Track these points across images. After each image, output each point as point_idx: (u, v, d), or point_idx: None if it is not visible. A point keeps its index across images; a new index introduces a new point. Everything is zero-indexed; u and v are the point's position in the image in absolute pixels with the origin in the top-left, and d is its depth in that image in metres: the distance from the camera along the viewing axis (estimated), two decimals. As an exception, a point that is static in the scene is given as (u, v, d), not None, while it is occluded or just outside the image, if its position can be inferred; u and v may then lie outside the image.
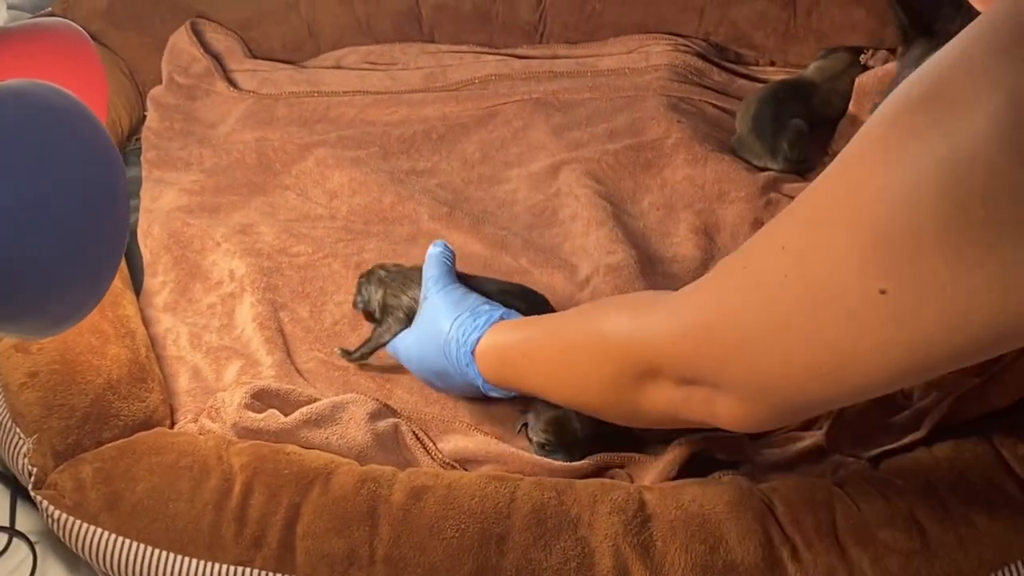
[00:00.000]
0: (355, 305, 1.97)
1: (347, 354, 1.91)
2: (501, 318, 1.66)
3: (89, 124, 1.01)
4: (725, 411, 1.26)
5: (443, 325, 1.70)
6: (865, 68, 2.46)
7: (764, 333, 1.10)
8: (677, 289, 1.45)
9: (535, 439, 1.73)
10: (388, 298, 1.89)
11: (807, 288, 1.03)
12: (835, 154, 2.31)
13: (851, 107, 2.37)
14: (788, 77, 2.50)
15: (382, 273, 1.92)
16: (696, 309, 1.23)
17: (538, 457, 1.70)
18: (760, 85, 2.52)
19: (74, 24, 1.59)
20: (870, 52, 2.51)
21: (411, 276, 1.89)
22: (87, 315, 1.09)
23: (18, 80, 0.98)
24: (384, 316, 1.88)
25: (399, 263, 1.97)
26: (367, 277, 1.95)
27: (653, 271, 2.06)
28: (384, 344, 1.87)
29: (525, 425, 1.76)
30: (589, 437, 1.71)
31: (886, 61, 2.46)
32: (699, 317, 1.20)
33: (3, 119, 0.95)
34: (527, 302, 1.86)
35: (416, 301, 1.84)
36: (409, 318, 1.85)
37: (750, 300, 1.11)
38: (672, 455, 1.65)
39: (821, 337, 1.04)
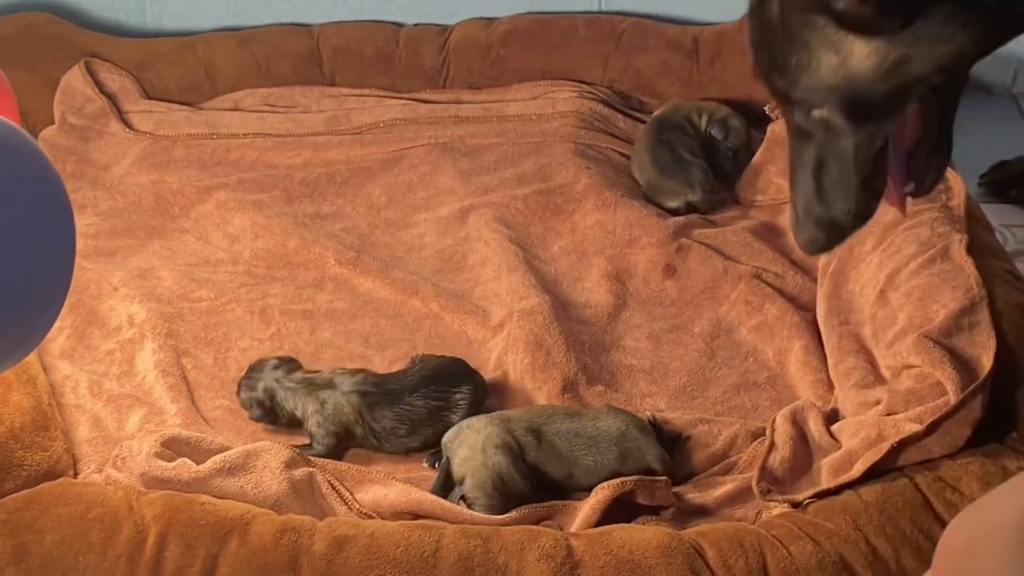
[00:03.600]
0: (243, 400, 1.90)
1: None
2: None
3: (35, 160, 0.98)
4: None
5: None
6: (767, 118, 2.50)
7: None
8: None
9: (470, 499, 1.72)
10: (301, 408, 1.86)
11: None
12: (745, 202, 2.37)
13: (759, 155, 2.41)
14: (651, 120, 2.54)
15: (285, 384, 1.86)
16: None
17: (460, 508, 1.69)
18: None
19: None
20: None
21: (313, 382, 1.87)
22: (24, 357, 1.05)
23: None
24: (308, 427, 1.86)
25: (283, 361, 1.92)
26: (252, 382, 1.89)
27: (567, 316, 2.07)
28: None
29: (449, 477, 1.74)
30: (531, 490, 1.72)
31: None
32: None
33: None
34: (463, 376, 1.88)
35: (321, 407, 1.84)
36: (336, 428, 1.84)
37: None
38: (595, 500, 1.66)
39: None
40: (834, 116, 1.43)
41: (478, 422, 1.77)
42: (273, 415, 1.87)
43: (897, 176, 1.50)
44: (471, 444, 1.74)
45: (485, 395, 1.89)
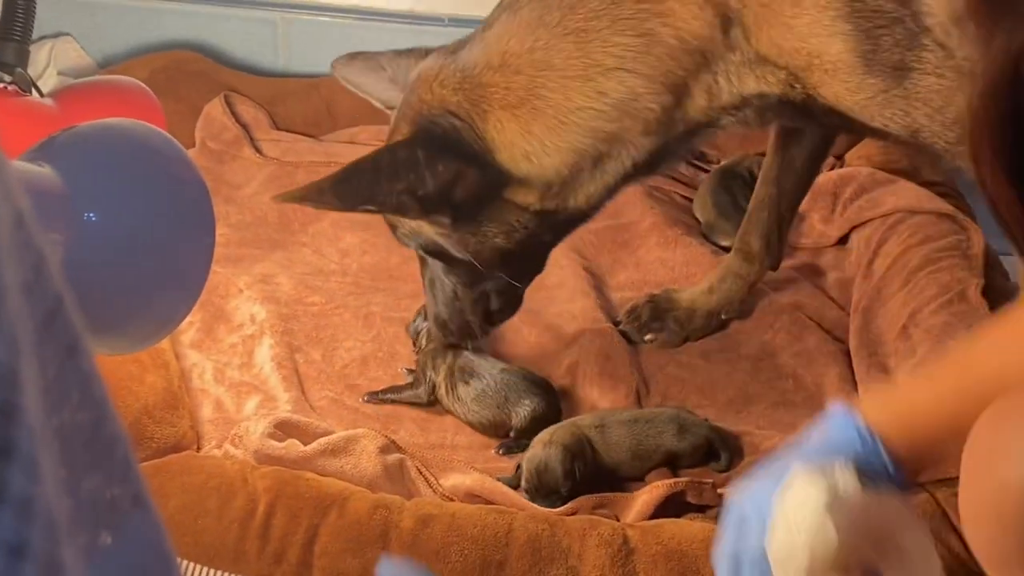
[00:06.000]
0: (409, 328, 2.01)
1: (373, 395, 1.91)
2: None
3: (185, 165, 0.99)
4: None
5: None
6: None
7: None
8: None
9: (521, 484, 1.70)
10: (428, 364, 1.89)
11: None
12: (790, 245, 2.34)
13: (804, 204, 2.36)
14: (717, 167, 2.51)
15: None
16: None
17: (526, 500, 1.67)
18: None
19: (139, 81, 1.57)
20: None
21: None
22: (166, 336, 1.06)
23: (124, 119, 0.96)
24: (418, 381, 1.90)
25: None
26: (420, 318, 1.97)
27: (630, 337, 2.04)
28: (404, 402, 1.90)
29: (519, 466, 1.72)
30: (568, 489, 1.67)
31: (832, 167, 2.47)
32: None
33: (103, 150, 0.93)
34: (533, 383, 1.85)
35: (435, 381, 1.87)
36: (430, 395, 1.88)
37: None
38: (648, 496, 1.63)
39: None
40: (426, 256, 1.63)
41: (555, 425, 1.75)
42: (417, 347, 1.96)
43: None
44: (540, 438, 1.72)
45: (554, 417, 1.83)
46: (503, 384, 1.83)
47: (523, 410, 1.81)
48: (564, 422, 1.77)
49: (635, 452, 1.73)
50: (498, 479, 1.72)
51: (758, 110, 1.52)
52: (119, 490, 0.48)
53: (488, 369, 1.85)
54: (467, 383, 1.84)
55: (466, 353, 1.87)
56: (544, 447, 1.69)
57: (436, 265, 1.65)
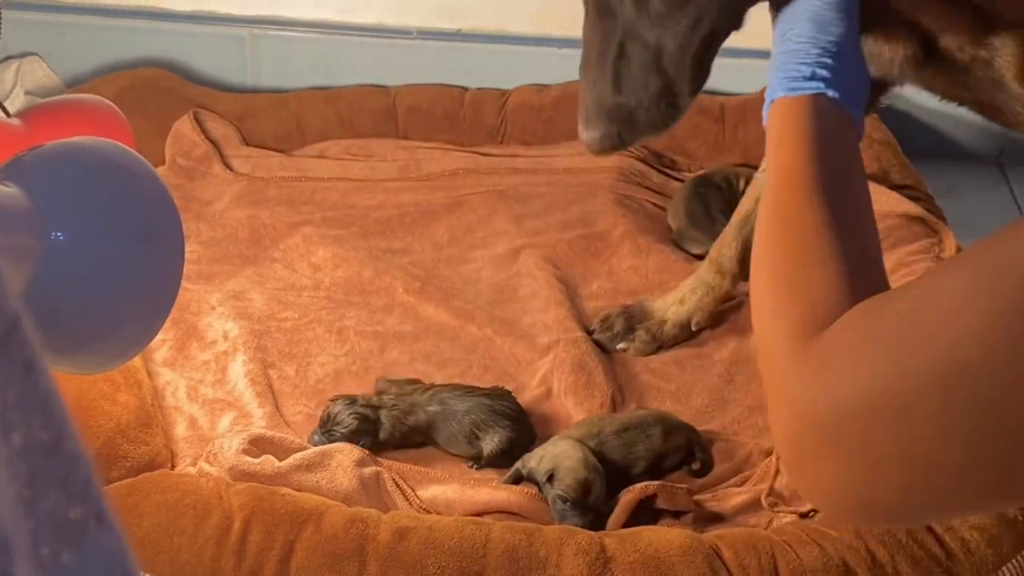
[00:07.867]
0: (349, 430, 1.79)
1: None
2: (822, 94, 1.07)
3: (153, 182, 0.98)
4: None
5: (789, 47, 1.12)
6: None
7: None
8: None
9: (555, 493, 1.66)
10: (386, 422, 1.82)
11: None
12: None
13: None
14: (694, 176, 2.51)
15: (386, 400, 1.84)
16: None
17: (501, 497, 1.67)
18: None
19: (106, 100, 1.56)
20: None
21: (409, 392, 1.86)
22: (137, 354, 1.05)
23: (91, 137, 0.95)
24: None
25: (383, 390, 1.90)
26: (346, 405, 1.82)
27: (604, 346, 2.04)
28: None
29: (541, 483, 1.69)
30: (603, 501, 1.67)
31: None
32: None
33: (70, 169, 0.93)
34: (502, 415, 1.81)
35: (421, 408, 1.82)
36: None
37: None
38: (622, 503, 1.64)
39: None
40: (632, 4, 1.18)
41: (571, 446, 1.71)
42: (374, 428, 1.79)
43: None
44: (566, 460, 1.68)
45: (526, 444, 1.81)
46: (469, 423, 1.79)
47: (491, 444, 1.78)
48: (574, 442, 1.72)
49: (625, 458, 1.73)
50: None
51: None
52: (80, 508, 0.48)
53: (453, 408, 1.81)
54: (431, 434, 1.82)
55: (418, 413, 1.82)
56: (587, 471, 1.66)
57: (638, 19, 1.20)
